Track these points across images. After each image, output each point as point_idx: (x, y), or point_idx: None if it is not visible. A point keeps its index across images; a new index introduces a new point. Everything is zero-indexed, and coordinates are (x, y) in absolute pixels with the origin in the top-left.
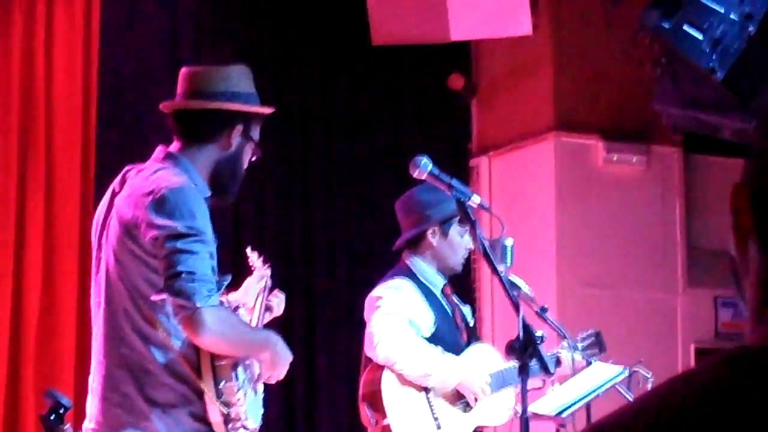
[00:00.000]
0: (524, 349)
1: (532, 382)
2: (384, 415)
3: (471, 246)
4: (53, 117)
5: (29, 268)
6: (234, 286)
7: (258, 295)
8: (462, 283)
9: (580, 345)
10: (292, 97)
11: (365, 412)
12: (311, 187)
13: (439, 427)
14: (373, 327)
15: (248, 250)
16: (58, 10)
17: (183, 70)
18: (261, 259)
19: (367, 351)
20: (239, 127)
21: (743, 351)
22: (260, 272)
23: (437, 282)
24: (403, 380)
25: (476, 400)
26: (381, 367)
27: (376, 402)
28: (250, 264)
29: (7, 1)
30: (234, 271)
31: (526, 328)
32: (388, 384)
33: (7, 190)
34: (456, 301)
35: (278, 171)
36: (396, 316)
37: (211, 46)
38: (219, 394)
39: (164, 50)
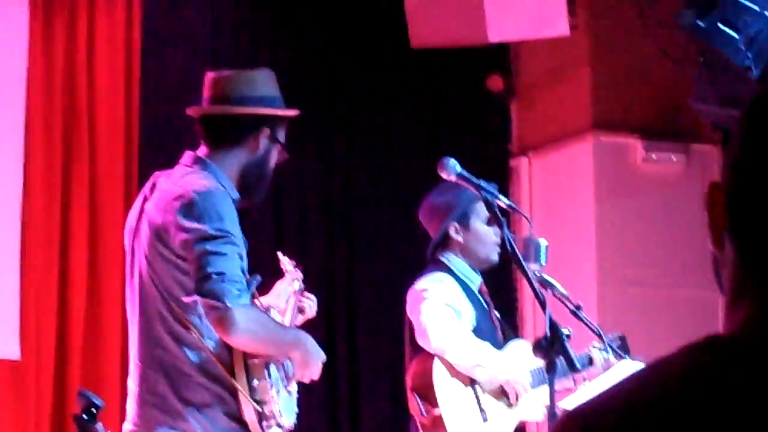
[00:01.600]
0: (550, 347)
1: (564, 382)
2: (435, 405)
3: (499, 233)
4: (96, 126)
5: (74, 273)
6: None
7: (289, 297)
8: (503, 284)
9: (612, 344)
10: (333, 100)
11: (415, 403)
12: (353, 190)
13: (485, 420)
14: (423, 316)
15: (279, 254)
16: (99, 20)
17: (208, 75)
18: (292, 263)
19: (419, 340)
20: (266, 131)
21: (712, 340)
22: (291, 275)
23: (473, 278)
24: (453, 371)
25: (517, 397)
26: (431, 357)
27: (426, 392)
28: (282, 267)
29: (49, 9)
30: (272, 276)
31: (553, 326)
32: (439, 374)
33: (53, 197)
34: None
35: (320, 175)
36: (444, 307)
37: (250, 51)
38: (252, 393)
39: (204, 57)
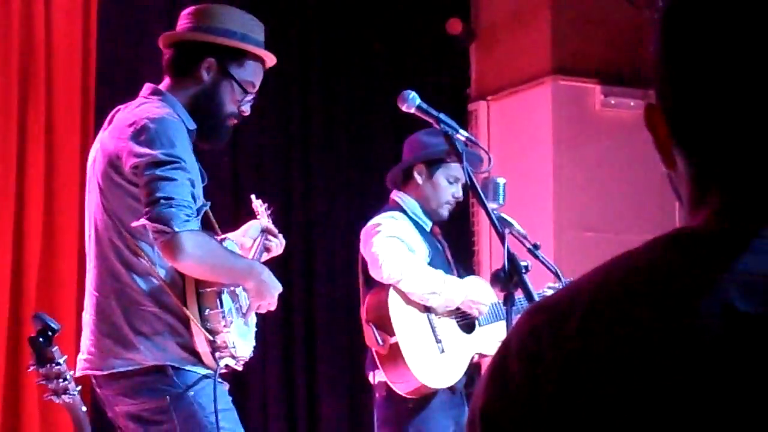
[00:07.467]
0: (509, 279)
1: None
2: (392, 333)
3: (458, 195)
4: (53, 62)
5: (30, 205)
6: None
7: (257, 236)
8: (461, 228)
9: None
10: (289, 42)
11: (371, 333)
12: (310, 131)
13: (442, 351)
14: (376, 247)
15: (252, 197)
16: None
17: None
18: (264, 205)
19: (372, 272)
20: (210, 60)
21: (677, 232)
22: (261, 216)
23: (426, 220)
24: (407, 300)
25: (480, 313)
26: (386, 287)
27: (383, 322)
28: (254, 209)
29: None
30: (233, 217)
31: (511, 259)
32: (395, 303)
33: (8, 135)
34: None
35: (277, 118)
36: (396, 240)
37: None
38: (204, 322)
39: None
